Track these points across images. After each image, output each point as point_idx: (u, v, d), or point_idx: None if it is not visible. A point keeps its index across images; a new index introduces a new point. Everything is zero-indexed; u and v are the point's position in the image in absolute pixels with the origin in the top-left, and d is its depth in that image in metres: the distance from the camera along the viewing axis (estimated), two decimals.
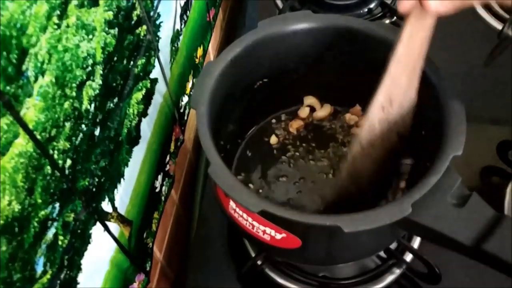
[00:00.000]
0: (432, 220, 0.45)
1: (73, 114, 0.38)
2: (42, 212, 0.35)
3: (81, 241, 0.42)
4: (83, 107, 0.40)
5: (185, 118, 0.73)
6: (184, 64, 0.69)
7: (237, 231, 0.55)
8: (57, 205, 0.37)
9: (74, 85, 0.38)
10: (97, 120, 0.43)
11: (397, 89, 0.50)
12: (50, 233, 0.37)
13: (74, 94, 0.38)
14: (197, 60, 0.75)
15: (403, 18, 0.82)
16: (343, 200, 0.56)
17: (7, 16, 0.29)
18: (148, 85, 0.55)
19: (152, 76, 0.55)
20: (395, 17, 0.83)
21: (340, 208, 0.52)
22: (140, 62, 0.51)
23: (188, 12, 0.68)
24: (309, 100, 0.68)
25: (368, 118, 0.51)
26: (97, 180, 0.44)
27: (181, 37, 0.65)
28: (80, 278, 0.42)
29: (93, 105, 0.41)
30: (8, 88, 0.30)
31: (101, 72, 0.42)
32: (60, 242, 0.38)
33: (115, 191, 0.49)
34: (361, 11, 0.85)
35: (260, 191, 0.63)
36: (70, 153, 0.38)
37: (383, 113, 0.51)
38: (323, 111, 0.67)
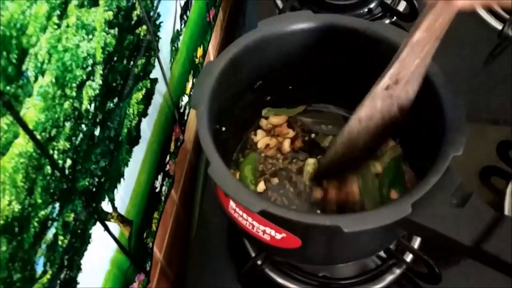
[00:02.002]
0: (431, 220, 0.45)
1: (73, 114, 0.38)
2: (42, 212, 0.35)
3: (81, 241, 0.42)
4: (83, 107, 0.40)
5: (185, 118, 0.73)
6: (184, 64, 0.69)
7: (237, 231, 0.55)
8: (57, 205, 0.37)
9: (74, 85, 0.38)
10: (97, 120, 0.43)
11: (405, 70, 0.50)
12: (50, 233, 0.37)
13: (74, 94, 0.38)
14: (197, 60, 0.75)
15: (403, 18, 0.82)
16: (334, 170, 0.59)
17: (7, 16, 0.29)
18: (148, 85, 0.55)
19: (152, 76, 0.55)
20: (395, 17, 0.83)
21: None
22: (140, 62, 0.51)
23: (188, 12, 0.68)
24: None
25: (372, 95, 0.52)
26: (97, 180, 0.44)
27: (181, 37, 0.65)
28: (80, 278, 0.42)
29: (93, 105, 0.41)
30: (8, 88, 0.30)
31: (101, 72, 0.42)
32: (60, 242, 0.38)
33: (115, 191, 0.49)
34: (361, 11, 0.85)
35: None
36: (70, 153, 0.38)
37: (387, 91, 0.52)
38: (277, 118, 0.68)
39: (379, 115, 0.54)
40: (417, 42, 0.49)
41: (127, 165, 0.51)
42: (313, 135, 0.67)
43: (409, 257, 0.60)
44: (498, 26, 0.82)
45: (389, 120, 0.55)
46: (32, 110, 0.33)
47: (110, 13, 0.43)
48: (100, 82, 0.42)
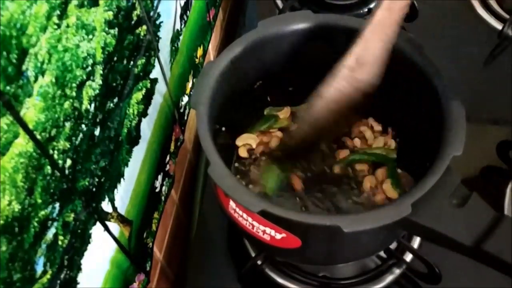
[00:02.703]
0: (431, 220, 0.45)
1: (73, 114, 0.38)
2: (42, 212, 0.35)
3: (81, 241, 0.42)
4: (83, 107, 0.40)
5: (185, 118, 0.73)
6: (184, 64, 0.69)
7: (237, 231, 0.55)
8: (57, 205, 0.37)
9: (74, 85, 0.38)
10: (97, 120, 0.43)
11: (369, 53, 0.51)
12: (50, 233, 0.37)
13: (74, 94, 0.38)
14: (197, 60, 0.75)
15: (403, 18, 0.82)
16: (300, 148, 0.59)
17: (7, 16, 0.29)
18: (148, 85, 0.54)
19: (152, 76, 0.55)
20: None
21: None
22: (140, 62, 0.51)
23: (188, 12, 0.68)
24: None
25: (336, 77, 0.52)
26: (97, 180, 0.44)
27: (181, 37, 0.65)
28: (80, 278, 0.42)
29: (93, 105, 0.41)
30: (8, 88, 0.30)
31: (101, 72, 0.42)
32: (60, 242, 0.38)
33: (115, 191, 0.49)
34: (361, 11, 0.85)
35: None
36: (70, 153, 0.38)
37: (352, 73, 0.52)
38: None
39: (344, 98, 0.54)
40: (378, 22, 0.50)
41: (127, 165, 0.51)
42: None
43: (409, 257, 0.60)
44: (498, 26, 0.82)
45: (354, 104, 0.55)
46: (32, 110, 0.33)
47: (110, 13, 0.43)
48: (100, 82, 0.42)
